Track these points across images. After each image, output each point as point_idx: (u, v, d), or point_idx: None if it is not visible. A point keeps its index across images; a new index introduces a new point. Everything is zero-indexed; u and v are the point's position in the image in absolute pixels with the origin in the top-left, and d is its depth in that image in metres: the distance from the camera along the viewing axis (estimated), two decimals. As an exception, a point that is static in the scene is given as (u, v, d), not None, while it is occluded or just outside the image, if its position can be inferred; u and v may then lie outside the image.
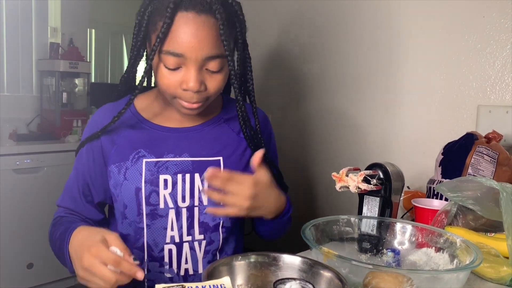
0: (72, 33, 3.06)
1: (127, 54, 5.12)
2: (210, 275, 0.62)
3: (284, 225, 1.05)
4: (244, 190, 0.87)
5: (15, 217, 2.53)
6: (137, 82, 0.96)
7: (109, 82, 4.95)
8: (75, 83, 3.05)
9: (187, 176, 0.97)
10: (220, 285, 0.54)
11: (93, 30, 4.84)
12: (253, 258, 0.70)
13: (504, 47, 1.38)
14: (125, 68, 1.02)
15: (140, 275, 0.71)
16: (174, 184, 0.96)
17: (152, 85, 1.11)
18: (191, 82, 0.87)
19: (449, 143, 1.28)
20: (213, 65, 0.89)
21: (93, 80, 4.51)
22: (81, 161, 1.01)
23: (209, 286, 0.54)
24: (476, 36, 1.43)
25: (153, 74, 1.04)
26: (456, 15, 1.46)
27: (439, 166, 1.24)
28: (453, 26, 1.47)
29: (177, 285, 0.53)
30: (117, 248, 0.73)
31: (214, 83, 0.91)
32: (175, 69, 0.88)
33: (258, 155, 0.90)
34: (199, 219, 0.98)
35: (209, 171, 0.84)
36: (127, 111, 0.99)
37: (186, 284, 0.53)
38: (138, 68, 1.01)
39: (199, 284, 0.54)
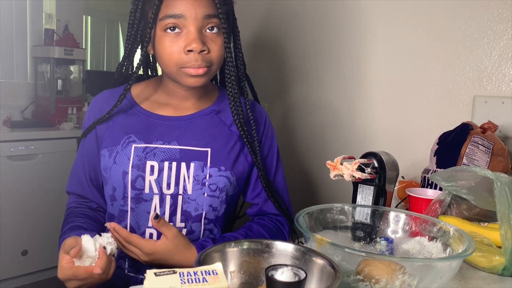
0: (67, 19, 3.04)
1: (123, 41, 5.08)
2: (202, 262, 0.62)
3: None
4: (141, 255, 0.92)
5: (9, 204, 2.53)
6: (134, 69, 1.00)
7: (104, 69, 4.92)
8: (70, 70, 3.03)
9: (174, 164, 0.98)
10: (212, 271, 0.54)
11: (89, 17, 4.79)
12: (246, 245, 0.70)
13: (501, 37, 1.37)
14: (121, 56, 1.03)
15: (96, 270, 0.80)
16: (161, 170, 0.98)
17: (147, 74, 1.14)
18: (194, 42, 0.91)
19: (444, 133, 1.28)
20: (211, 25, 0.94)
21: (88, 68, 4.49)
22: (85, 146, 1.05)
23: (201, 272, 0.54)
24: (474, 26, 1.42)
25: (152, 60, 1.06)
26: (454, 4, 1.45)
27: (434, 156, 1.25)
28: (451, 16, 1.46)
29: (169, 271, 0.52)
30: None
31: (215, 46, 0.95)
32: (176, 33, 0.92)
33: (153, 222, 0.91)
34: (181, 207, 0.98)
35: (111, 224, 0.91)
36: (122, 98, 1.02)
37: (178, 270, 0.53)
38: (134, 58, 1.03)
39: (191, 270, 0.53)
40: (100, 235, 0.85)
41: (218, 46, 0.95)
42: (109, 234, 0.86)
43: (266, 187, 1.06)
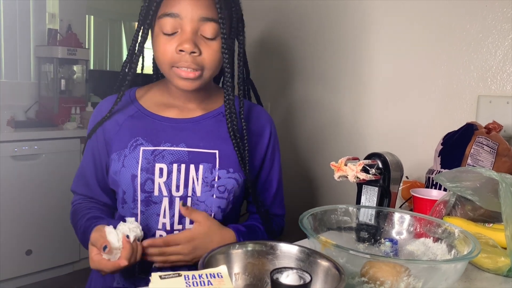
0: (71, 19, 3.04)
1: (126, 41, 5.08)
2: (207, 264, 0.62)
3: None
4: (183, 249, 0.92)
5: (13, 204, 2.53)
6: (138, 69, 1.01)
7: (108, 69, 4.92)
8: (74, 70, 3.03)
9: (183, 166, 0.98)
10: (217, 274, 0.54)
11: (92, 17, 4.79)
12: (250, 246, 0.70)
13: (506, 36, 1.37)
14: (124, 55, 1.04)
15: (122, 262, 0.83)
16: (169, 173, 0.97)
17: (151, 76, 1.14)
18: (186, 43, 0.91)
19: (448, 133, 1.27)
20: (207, 29, 0.93)
21: (91, 67, 4.49)
22: (93, 149, 1.05)
23: (206, 274, 0.54)
24: (478, 25, 1.41)
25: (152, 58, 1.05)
26: (458, 3, 1.44)
27: (438, 156, 1.24)
28: (455, 15, 1.46)
29: (174, 273, 0.52)
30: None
31: (209, 50, 0.94)
32: (172, 34, 0.92)
33: (182, 210, 0.94)
34: None
35: (146, 242, 0.89)
36: (128, 101, 1.04)
37: (183, 272, 0.53)
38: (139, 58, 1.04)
39: (196, 273, 0.53)
40: (125, 220, 0.90)
41: (212, 51, 0.94)
42: (132, 219, 0.90)
43: (252, 193, 1.05)
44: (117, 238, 0.84)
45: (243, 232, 1.01)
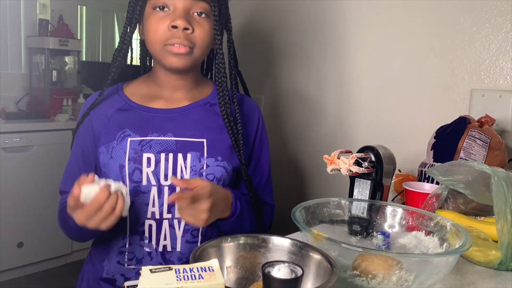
0: (62, 9, 3.00)
1: (118, 32, 5.03)
2: (198, 257, 0.61)
3: (241, 225, 1.01)
4: (205, 193, 0.86)
5: (4, 196, 2.52)
6: (128, 61, 1.03)
7: (100, 60, 4.88)
8: (65, 61, 3.01)
9: (170, 155, 0.99)
10: (208, 267, 0.54)
11: (84, 7, 4.73)
12: (242, 239, 0.69)
13: (499, 30, 1.36)
14: (116, 46, 1.04)
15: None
16: (157, 162, 0.98)
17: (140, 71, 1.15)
18: (179, 19, 0.93)
19: (441, 127, 1.27)
20: (199, 8, 0.96)
21: (83, 59, 4.44)
22: (80, 145, 1.05)
23: (197, 268, 0.53)
24: (472, 18, 1.41)
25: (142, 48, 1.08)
26: (452, -3, 1.44)
27: (431, 150, 1.24)
28: (449, 8, 1.45)
29: (164, 267, 0.52)
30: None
31: (201, 29, 0.97)
32: (164, 10, 0.95)
33: (175, 181, 0.88)
34: None
35: (174, 195, 0.83)
36: (115, 95, 1.05)
37: (173, 266, 0.53)
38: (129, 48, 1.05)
39: (187, 266, 0.53)
40: None
41: (204, 30, 0.97)
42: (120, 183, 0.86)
43: (247, 181, 1.06)
44: (98, 185, 0.82)
45: (239, 195, 1.00)
